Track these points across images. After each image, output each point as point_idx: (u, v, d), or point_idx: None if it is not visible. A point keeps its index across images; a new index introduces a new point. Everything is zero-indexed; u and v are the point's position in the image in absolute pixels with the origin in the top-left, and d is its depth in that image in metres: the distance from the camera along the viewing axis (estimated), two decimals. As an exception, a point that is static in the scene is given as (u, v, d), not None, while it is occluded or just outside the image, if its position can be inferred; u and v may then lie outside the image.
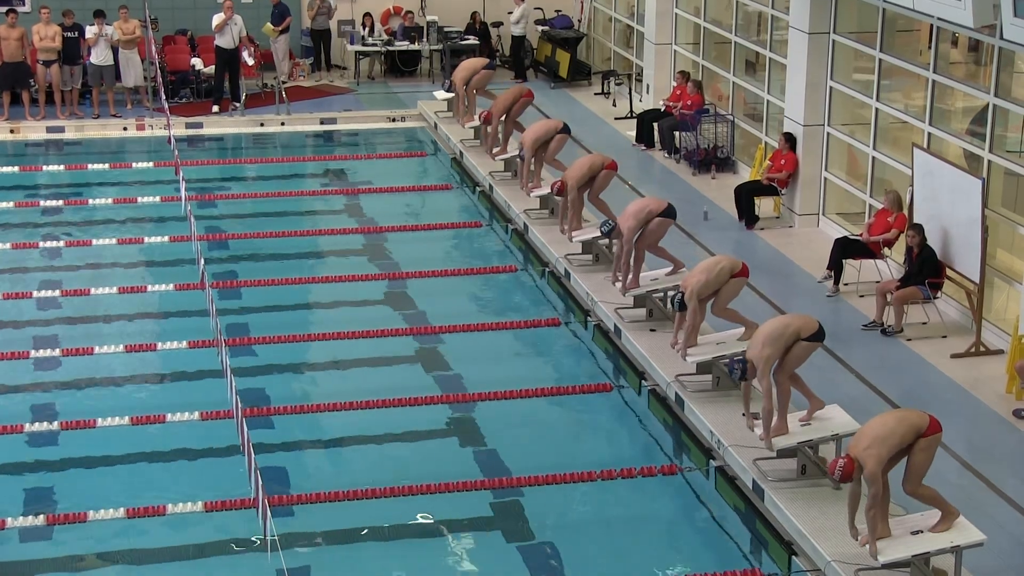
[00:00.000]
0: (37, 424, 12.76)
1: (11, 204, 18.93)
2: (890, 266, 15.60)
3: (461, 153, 20.61)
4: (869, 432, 9.90)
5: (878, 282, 15.19)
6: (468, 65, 21.18)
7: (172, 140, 19.12)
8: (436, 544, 11.14)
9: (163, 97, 21.25)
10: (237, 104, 23.52)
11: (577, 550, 10.94)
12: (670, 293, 13.88)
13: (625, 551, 10.93)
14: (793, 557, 10.61)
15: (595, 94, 24.96)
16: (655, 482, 11.96)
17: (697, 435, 12.40)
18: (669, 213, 14.47)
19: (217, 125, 23.02)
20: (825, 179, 17.83)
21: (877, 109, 16.74)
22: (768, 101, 19.34)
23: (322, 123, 23.23)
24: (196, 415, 12.86)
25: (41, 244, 17.54)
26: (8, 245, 17.31)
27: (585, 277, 15.53)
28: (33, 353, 14.29)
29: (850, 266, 15.79)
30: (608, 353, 14.51)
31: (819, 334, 11.35)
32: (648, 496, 11.82)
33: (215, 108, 23.40)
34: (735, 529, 11.36)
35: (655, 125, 21.48)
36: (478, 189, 19.35)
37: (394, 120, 23.15)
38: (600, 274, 15.49)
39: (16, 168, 20.61)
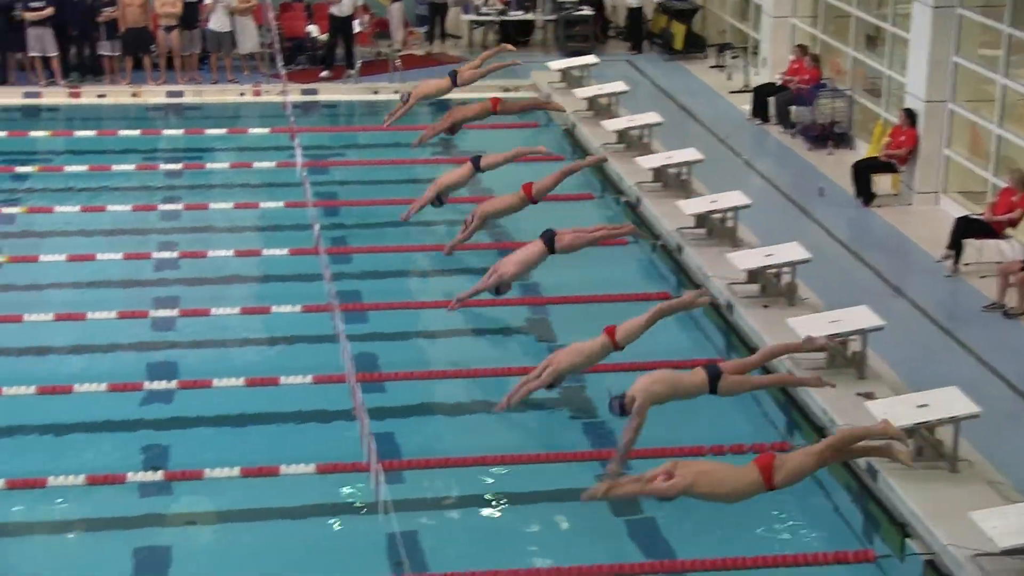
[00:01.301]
0: (155, 383, 12.96)
1: (132, 167, 19.27)
2: (1013, 246, 15.25)
3: (574, 124, 20.53)
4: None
5: (1000, 263, 14.86)
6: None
7: (288, 106, 19.30)
8: (544, 511, 11.15)
9: (279, 63, 21.45)
10: (351, 71, 23.67)
11: (684, 524, 10.89)
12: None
13: (733, 527, 10.83)
14: (907, 539, 10.46)
15: (710, 67, 24.71)
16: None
17: (811, 417, 12.24)
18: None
19: (332, 92, 23.20)
20: (946, 157, 17.47)
21: (1004, 85, 16.34)
22: (888, 76, 18.98)
23: (436, 91, 23.27)
24: (309, 379, 13.01)
25: (160, 207, 17.84)
26: (128, 207, 17.60)
27: (698, 251, 15.39)
28: (152, 313, 14.54)
29: (971, 246, 15.47)
30: (720, 329, 14.38)
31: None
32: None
33: (323, 73, 23.55)
34: (847, 510, 11.22)
35: (771, 99, 21.21)
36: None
37: (507, 91, 23.10)
38: (714, 248, 15.35)
39: (137, 131, 20.97)
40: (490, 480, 11.50)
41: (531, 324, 14.51)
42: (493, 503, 11.28)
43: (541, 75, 22.95)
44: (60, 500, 11.04)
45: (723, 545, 10.58)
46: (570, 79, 22.10)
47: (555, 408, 12.84)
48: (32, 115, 22.03)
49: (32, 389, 12.53)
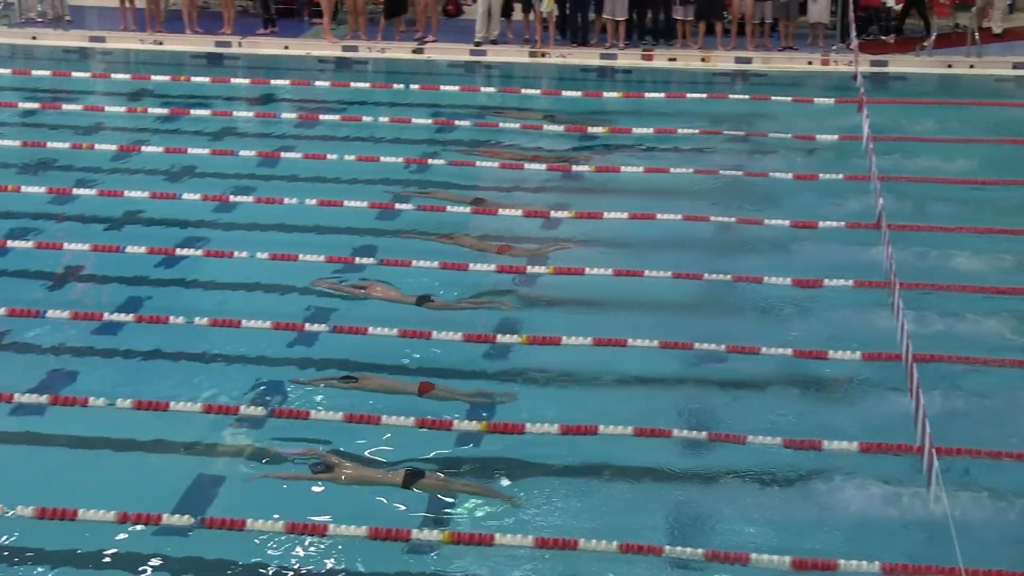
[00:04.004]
0: (705, 344, 13.02)
1: (696, 131, 19.57)
2: None
3: None
4: None
5: None
6: None
7: (858, 77, 18.89)
8: None
9: (852, 33, 21.03)
10: (925, 44, 22.84)
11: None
12: None
13: None
14: None
15: None
16: None
17: None
18: None
19: (903, 64, 22.49)
20: None
21: None
22: None
23: (1014, 67, 22.01)
24: (858, 355, 12.70)
25: (720, 172, 17.95)
26: (690, 170, 17.83)
27: None
28: (706, 276, 14.65)
29: None
30: None
31: None
32: None
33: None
34: None
35: None
36: None
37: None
38: None
39: (704, 95, 21.29)
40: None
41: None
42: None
43: None
44: (607, 447, 11.42)
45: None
46: None
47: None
48: (606, 76, 22.90)
49: (588, 340, 13.07)
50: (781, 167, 17.98)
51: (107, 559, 9.83)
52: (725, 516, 10.49)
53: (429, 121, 19.97)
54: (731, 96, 21.60)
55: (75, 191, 16.87)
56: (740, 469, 11.04)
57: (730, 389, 12.41)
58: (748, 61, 23.02)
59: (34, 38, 24.23)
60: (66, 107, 20.49)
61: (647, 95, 21.62)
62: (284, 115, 20.42)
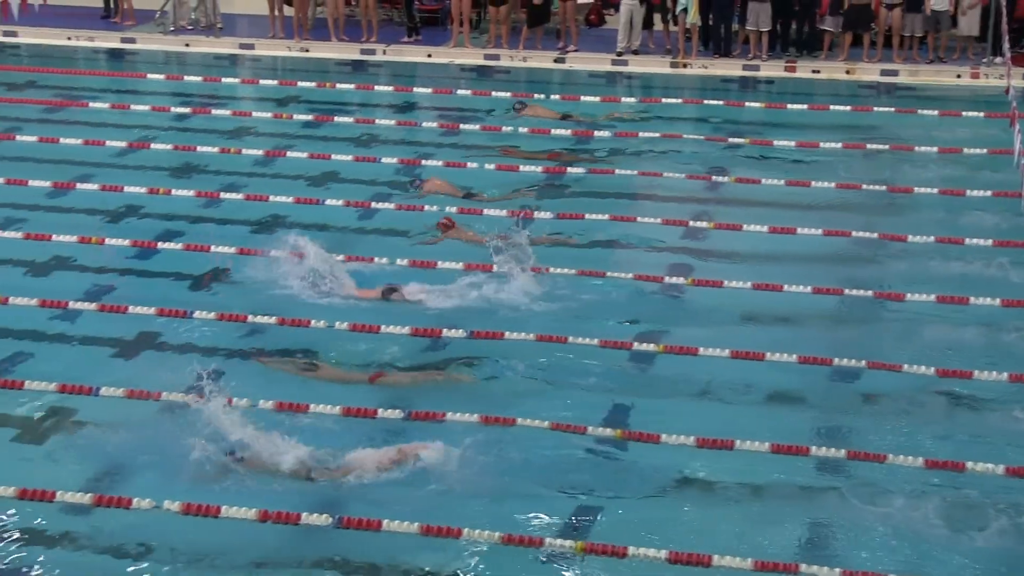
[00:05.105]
0: (844, 360, 12.90)
1: (839, 144, 19.30)
2: None
3: None
4: None
5: None
6: None
7: (1010, 90, 18.45)
8: None
9: (1005, 45, 20.55)
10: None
11: None
12: None
13: None
14: None
15: None
16: None
17: None
18: None
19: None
20: None
21: None
22: None
23: None
24: (1005, 376, 12.44)
25: (863, 186, 17.68)
26: (832, 184, 17.65)
27: None
28: (846, 291, 14.45)
29: None
30: None
31: None
32: None
33: None
34: None
35: None
36: None
37: None
38: None
39: (847, 108, 21.03)
40: None
41: None
42: None
43: None
44: (743, 462, 11.32)
45: None
46: None
47: None
48: (748, 87, 22.72)
49: (726, 352, 12.99)
50: (927, 182, 17.66)
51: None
52: (862, 537, 10.30)
53: (567, 132, 20.01)
54: (876, 109, 21.26)
55: (222, 195, 17.26)
56: (878, 489, 10.83)
57: (870, 407, 12.22)
58: (895, 74, 22.64)
59: (187, 45, 24.87)
60: (215, 112, 20.98)
61: (789, 106, 21.39)
62: (424, 123, 20.62)
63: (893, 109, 21.10)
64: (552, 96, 21.68)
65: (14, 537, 10.15)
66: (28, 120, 20.30)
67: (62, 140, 19.26)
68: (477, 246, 15.10)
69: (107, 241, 15.66)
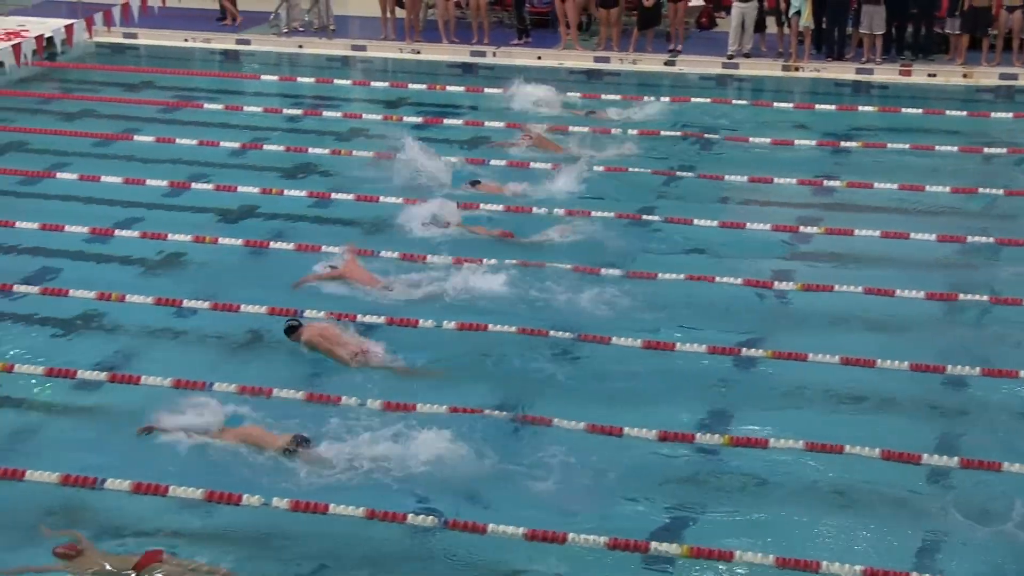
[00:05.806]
0: (956, 367, 12.69)
1: (955, 148, 18.97)
2: None
3: None
4: None
5: None
6: None
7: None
8: None
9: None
10: None
11: None
12: None
13: None
14: None
15: None
16: None
17: None
18: None
19: None
20: None
21: None
22: None
23: None
24: None
25: (980, 190, 17.36)
26: (947, 188, 17.37)
27: None
28: (960, 296, 14.23)
29: None
30: None
31: None
32: None
33: None
34: None
35: None
36: None
37: None
38: None
39: (964, 113, 20.67)
40: None
41: None
42: None
43: None
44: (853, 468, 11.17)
45: None
46: None
47: None
48: (861, 91, 22.38)
49: (836, 359, 12.83)
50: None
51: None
52: (973, 547, 10.14)
53: (678, 133, 19.91)
54: (993, 114, 20.83)
55: (333, 196, 17.44)
56: (992, 498, 10.65)
57: (984, 415, 11.99)
58: (1014, 78, 22.16)
59: (300, 47, 25.16)
60: (327, 114, 21.21)
61: (904, 110, 21.03)
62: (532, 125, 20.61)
63: (1011, 114, 20.65)
64: (663, 98, 21.51)
65: (127, 532, 10.38)
66: (146, 120, 20.70)
67: (178, 140, 19.62)
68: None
69: (220, 240, 15.91)
